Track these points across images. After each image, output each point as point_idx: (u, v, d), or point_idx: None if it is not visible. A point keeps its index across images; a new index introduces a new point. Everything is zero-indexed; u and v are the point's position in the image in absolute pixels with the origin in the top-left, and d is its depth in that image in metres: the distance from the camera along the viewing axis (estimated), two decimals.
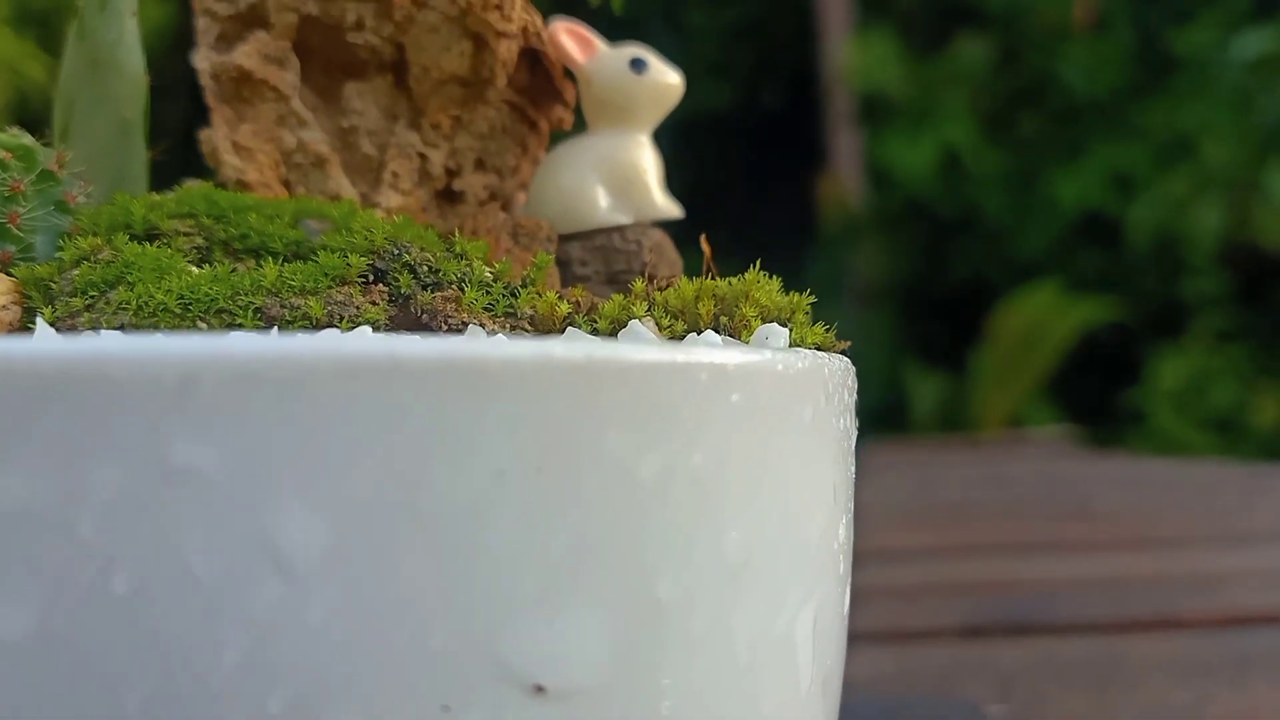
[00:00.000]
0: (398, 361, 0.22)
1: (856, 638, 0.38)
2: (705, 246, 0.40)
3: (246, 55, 0.41)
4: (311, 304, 0.31)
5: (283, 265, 0.32)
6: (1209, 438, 4.86)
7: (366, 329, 0.26)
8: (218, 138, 0.41)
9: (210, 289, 0.31)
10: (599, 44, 0.43)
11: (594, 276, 0.42)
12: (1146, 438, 4.92)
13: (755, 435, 0.27)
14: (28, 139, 0.39)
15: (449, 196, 0.44)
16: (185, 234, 0.36)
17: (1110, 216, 5.69)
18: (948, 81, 6.67)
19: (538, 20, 0.42)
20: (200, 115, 0.42)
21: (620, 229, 0.42)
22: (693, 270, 0.41)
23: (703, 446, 0.25)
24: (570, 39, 0.42)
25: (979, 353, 5.28)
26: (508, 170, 0.45)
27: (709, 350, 0.26)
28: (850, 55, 6.58)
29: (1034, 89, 6.58)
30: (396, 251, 0.34)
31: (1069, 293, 5.50)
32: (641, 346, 0.25)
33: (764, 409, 0.27)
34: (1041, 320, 5.18)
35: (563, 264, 0.42)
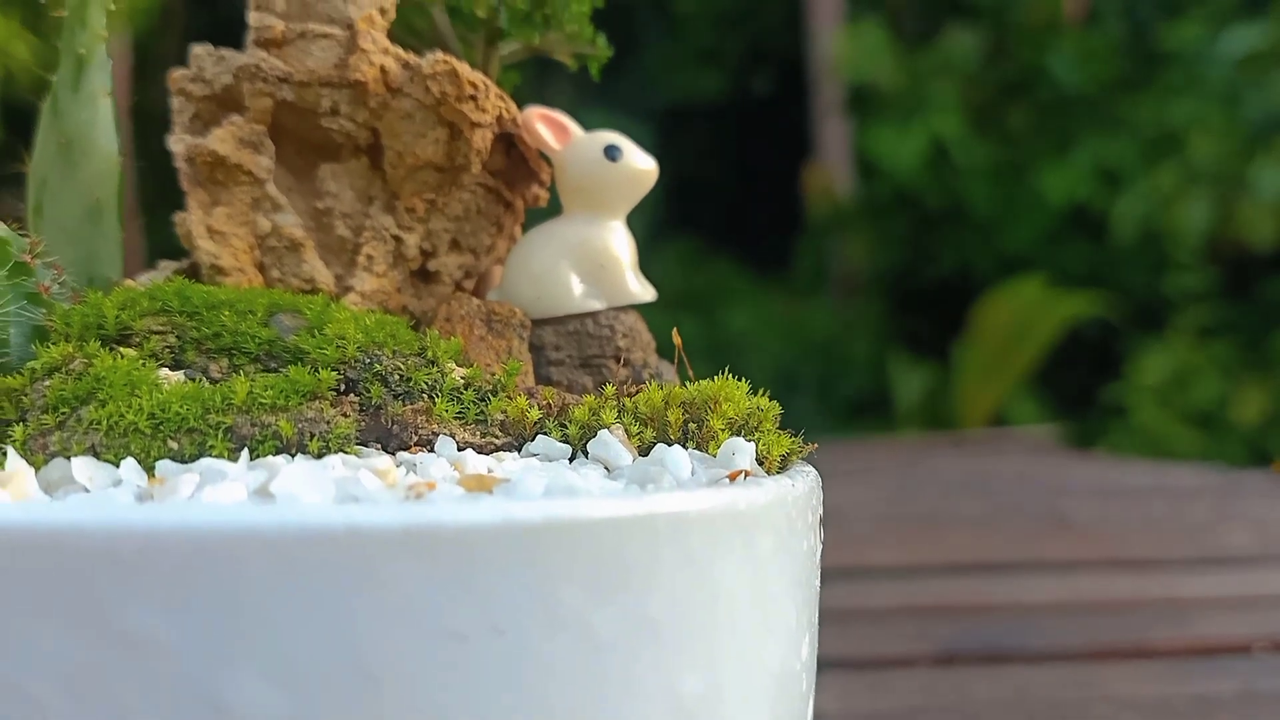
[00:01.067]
0: (355, 530, 0.23)
1: (828, 665, 0.38)
2: (677, 339, 0.41)
3: (221, 140, 0.41)
4: (282, 423, 0.31)
5: (253, 381, 0.32)
6: (1191, 433, 4.89)
7: (322, 496, 0.26)
8: (192, 221, 0.41)
9: (180, 407, 0.31)
10: (574, 129, 0.43)
11: (568, 361, 0.43)
12: (1129, 433, 4.95)
13: (714, 576, 0.27)
14: (2, 230, 0.39)
15: (424, 276, 0.45)
16: (158, 333, 0.36)
17: (1097, 210, 5.71)
18: (937, 73, 6.66)
19: (512, 107, 0.42)
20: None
21: (594, 314, 0.43)
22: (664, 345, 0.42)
23: (660, 594, 0.26)
24: (545, 125, 0.43)
25: (964, 346, 5.30)
26: (483, 249, 0.45)
27: (667, 498, 0.26)
28: (840, 45, 6.57)
29: (1023, 82, 6.59)
30: (368, 361, 0.34)
31: (1054, 287, 5.52)
32: (599, 500, 0.25)
33: (724, 549, 0.27)
34: (1027, 314, 5.20)
35: (536, 349, 0.43)
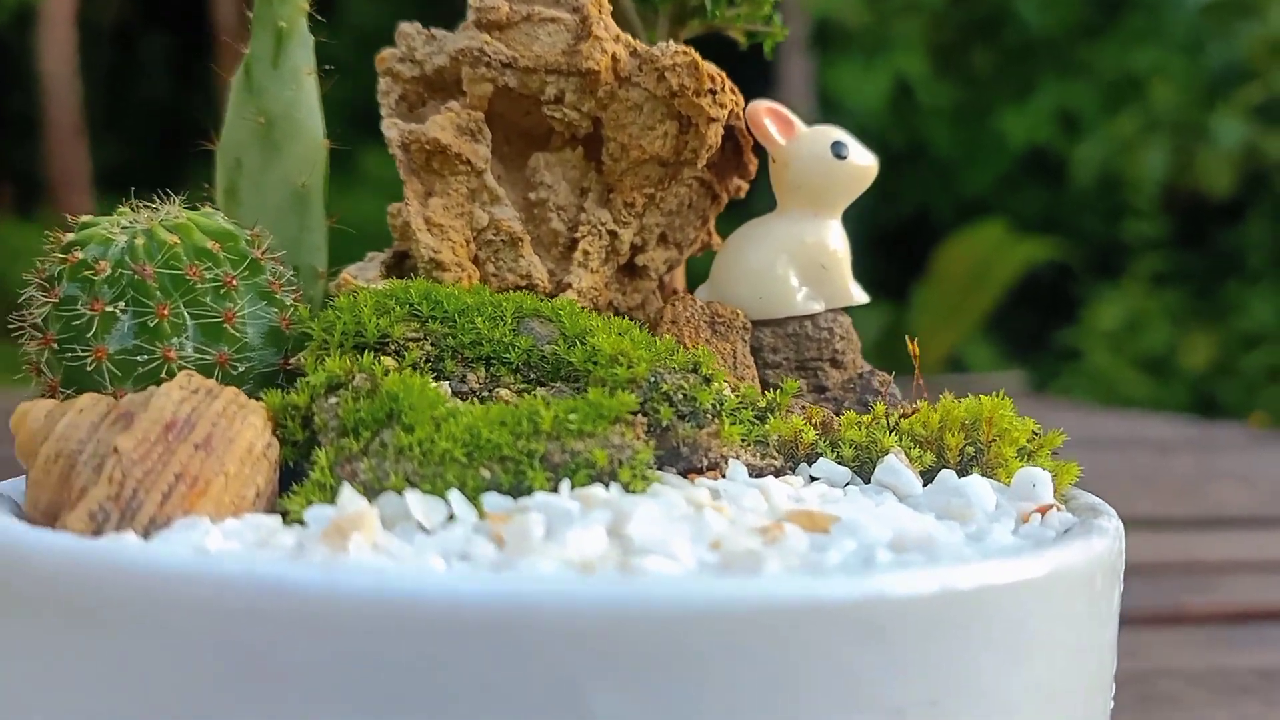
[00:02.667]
0: (814, 605, 0.22)
1: None
2: (913, 349, 0.40)
3: (440, 127, 0.39)
4: (595, 452, 0.30)
5: (558, 407, 0.31)
6: (1141, 379, 4.99)
7: (773, 568, 0.25)
8: (410, 213, 0.39)
9: (491, 434, 0.30)
10: (799, 124, 0.42)
11: (784, 363, 0.42)
12: (1081, 377, 5.04)
13: (1086, 629, 0.27)
14: (224, 220, 0.37)
15: (630, 270, 0.43)
16: (414, 340, 0.34)
17: (1056, 155, 5.75)
18: (902, 11, 6.63)
19: (740, 99, 0.41)
20: None
21: (813, 316, 0.42)
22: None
23: (1049, 655, 0.25)
24: (772, 120, 0.41)
25: (923, 288, 5.34)
26: (688, 243, 0.44)
27: (1058, 556, 0.26)
28: None
29: (988, 23, 6.58)
30: (654, 380, 0.33)
31: (1013, 231, 5.56)
32: (1014, 564, 0.24)
33: (1087, 600, 0.27)
34: (985, 259, 5.24)
35: (754, 350, 0.41)
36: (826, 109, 6.69)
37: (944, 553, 0.26)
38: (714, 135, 0.40)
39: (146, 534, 0.27)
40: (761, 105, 0.41)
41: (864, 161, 0.42)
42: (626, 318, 0.43)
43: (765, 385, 0.42)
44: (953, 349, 5.31)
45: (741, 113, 0.41)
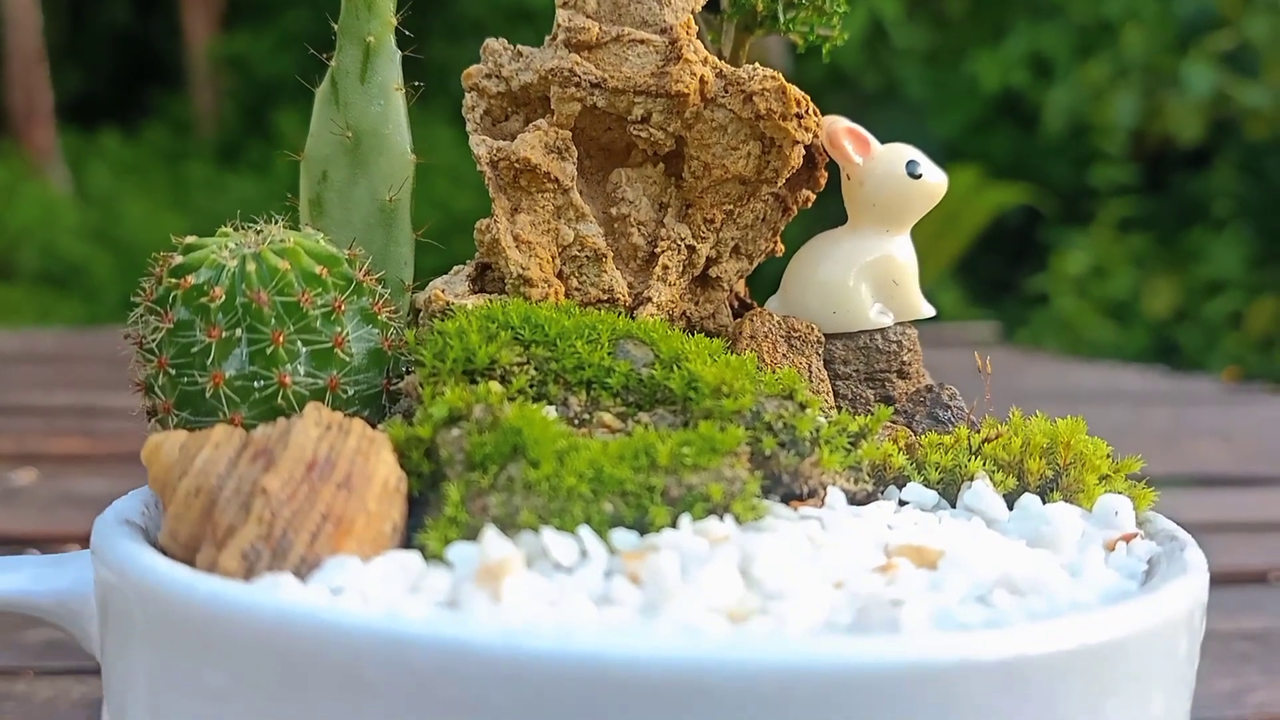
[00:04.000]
0: (968, 664, 0.24)
1: None
2: (984, 365, 0.41)
3: (530, 146, 0.40)
4: (711, 487, 0.32)
5: (672, 441, 0.32)
6: (1105, 324, 5.05)
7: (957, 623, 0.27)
8: (499, 230, 0.40)
9: (613, 469, 0.31)
10: (874, 143, 0.43)
11: (854, 375, 0.43)
12: (1048, 323, 5.09)
13: (1184, 668, 0.29)
14: (326, 242, 0.38)
15: (703, 281, 0.44)
16: (520, 365, 0.36)
17: (1027, 100, 5.76)
18: None
19: (821, 119, 0.42)
20: None
21: (883, 330, 0.43)
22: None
23: (1161, 695, 0.27)
24: (851, 140, 0.42)
25: None
26: (759, 254, 0.45)
27: (1156, 605, 0.27)
28: None
29: None
30: (756, 410, 0.35)
31: (984, 177, 5.57)
32: (1127, 612, 0.26)
33: (1185, 639, 0.29)
34: (955, 205, 5.25)
35: (826, 362, 0.43)
36: (797, 49, 6.64)
37: (1061, 596, 0.28)
38: (796, 157, 0.41)
39: (298, 574, 0.28)
40: (840, 125, 0.42)
41: (936, 179, 0.43)
42: (699, 327, 0.44)
43: (837, 396, 0.43)
44: (924, 292, 5.35)
45: (820, 131, 0.42)
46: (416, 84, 0.41)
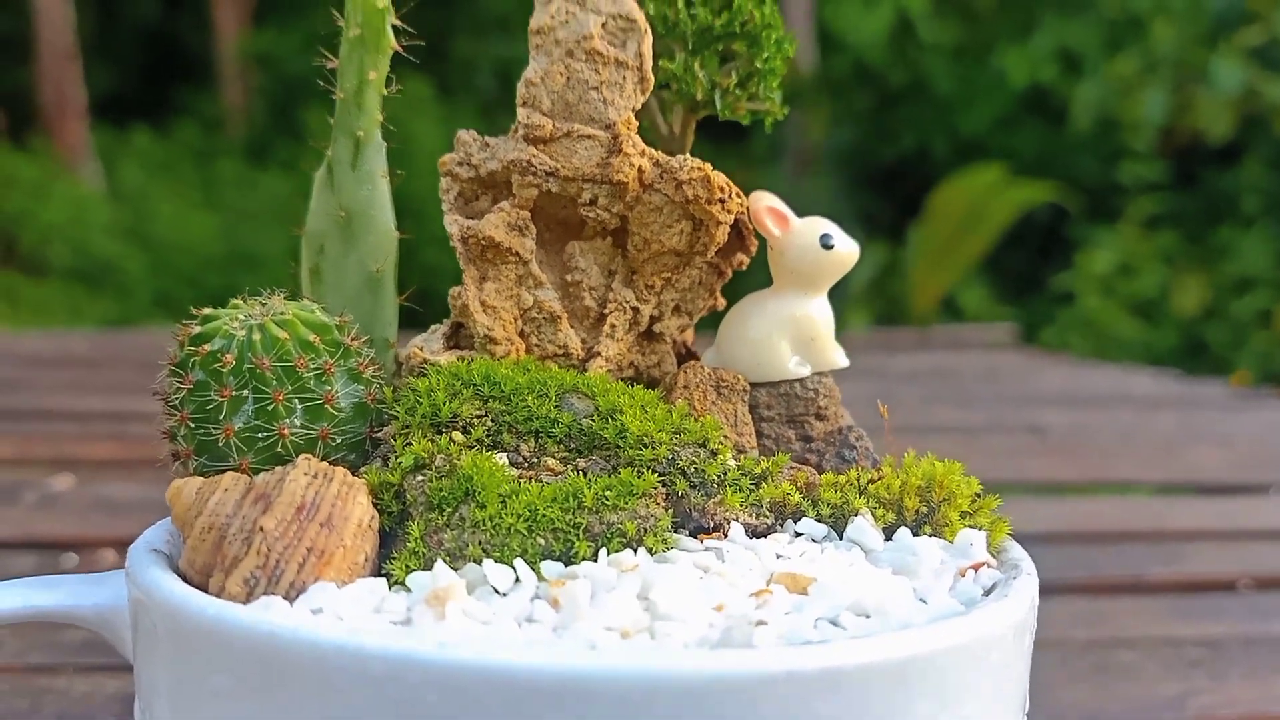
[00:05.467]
0: (794, 674, 0.31)
1: None
2: (883, 410, 0.48)
3: (494, 226, 0.47)
4: (627, 524, 0.39)
5: (597, 485, 0.39)
6: (1133, 322, 5.04)
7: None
8: (468, 297, 0.47)
9: (546, 510, 0.38)
10: (791, 217, 0.50)
11: (777, 418, 0.50)
12: (1074, 320, 5.09)
13: (1001, 677, 0.35)
14: (321, 313, 0.45)
15: (649, 335, 0.51)
16: (478, 417, 0.43)
17: (1056, 95, 5.76)
18: None
19: (744, 199, 0.48)
20: None
21: (801, 379, 0.50)
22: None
23: (973, 702, 0.34)
24: (770, 216, 0.49)
25: (919, 229, 5.39)
26: (697, 311, 0.52)
27: (977, 623, 0.34)
28: None
29: None
30: (672, 458, 0.42)
31: (1009, 174, 5.58)
32: (938, 631, 0.33)
33: (1004, 652, 0.36)
34: (982, 202, 5.26)
35: (751, 408, 0.50)
36: (827, 46, 6.66)
37: (895, 617, 0.35)
38: (721, 234, 0.48)
39: (288, 597, 0.36)
40: (762, 203, 0.49)
41: (847, 250, 0.50)
42: (646, 375, 0.51)
43: (761, 436, 0.50)
44: (947, 291, 5.38)
45: (745, 208, 0.49)
46: (399, 172, 0.48)
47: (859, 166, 6.64)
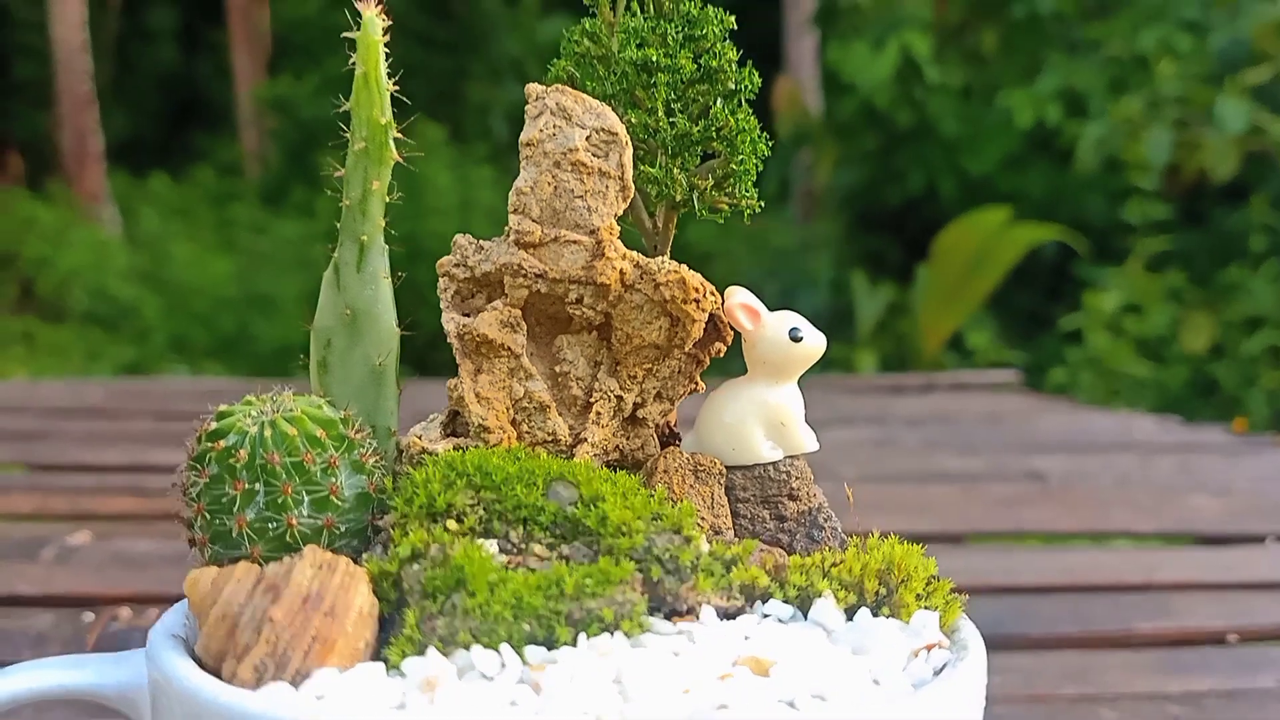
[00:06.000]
0: None
1: None
2: (849, 492, 0.52)
3: (488, 324, 0.51)
4: (605, 611, 0.42)
5: (578, 574, 0.43)
6: (1141, 362, 5.05)
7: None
8: (464, 389, 0.51)
9: (530, 599, 0.42)
10: (763, 313, 0.53)
11: (752, 499, 0.54)
12: (1082, 360, 5.09)
13: None
14: (327, 408, 0.49)
15: (633, 420, 0.55)
16: (471, 507, 0.46)
17: (1062, 136, 5.81)
18: None
19: (718, 297, 0.52)
20: None
21: (774, 462, 0.54)
22: None
23: None
24: (743, 311, 0.53)
25: (926, 270, 5.43)
26: (678, 397, 0.55)
27: (914, 705, 0.38)
28: None
29: (996, 0, 6.60)
30: (648, 545, 0.45)
31: (1017, 215, 5.60)
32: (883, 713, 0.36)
33: None
34: (989, 243, 5.30)
35: (727, 489, 0.53)
36: (832, 88, 6.73)
37: (848, 699, 0.38)
38: (697, 330, 0.51)
39: (294, 682, 0.39)
40: (735, 300, 0.53)
41: (814, 343, 0.53)
42: (630, 457, 0.55)
43: (737, 516, 0.53)
44: (955, 331, 5.41)
45: (720, 303, 0.52)
46: (400, 273, 0.52)
47: (866, 207, 6.69)
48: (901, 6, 6.40)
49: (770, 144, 0.57)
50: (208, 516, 0.46)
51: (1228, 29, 5.59)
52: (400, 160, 0.51)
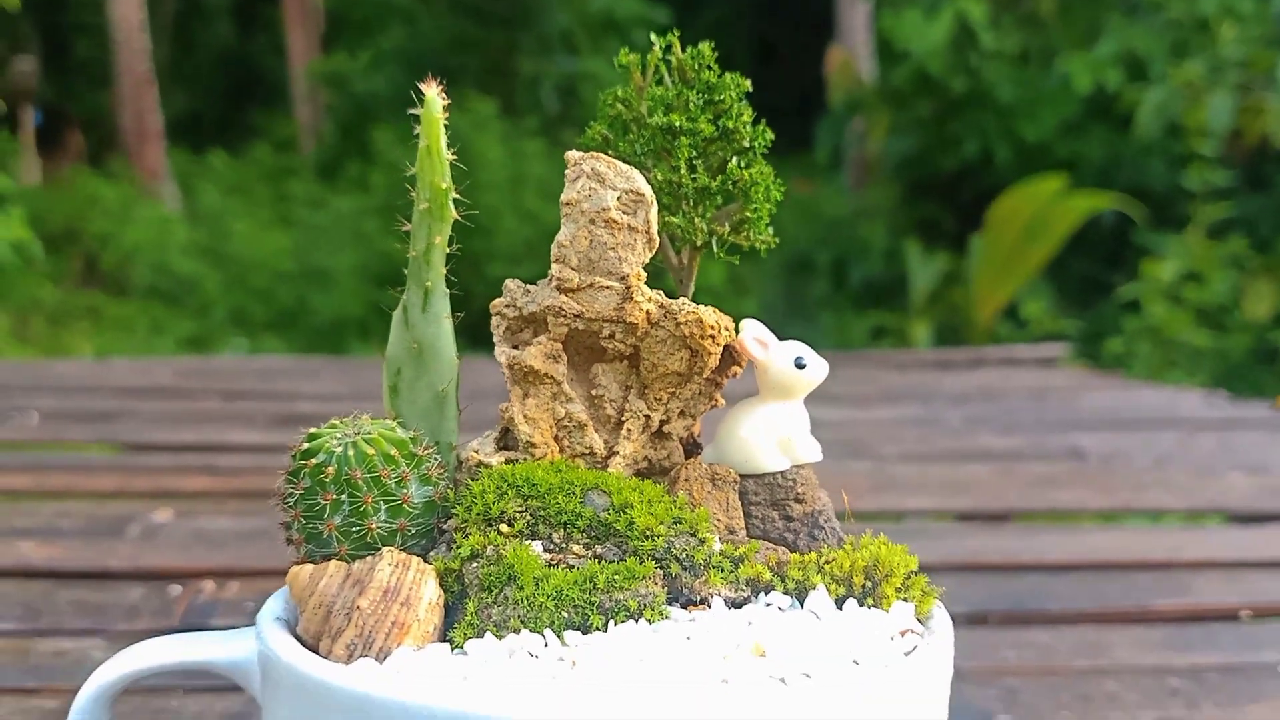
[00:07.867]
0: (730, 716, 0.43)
1: None
2: (845, 499, 0.60)
3: (533, 357, 0.60)
4: (630, 601, 0.51)
5: (608, 570, 0.52)
6: (1200, 330, 5.00)
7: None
8: (514, 410, 0.60)
9: (569, 591, 0.51)
10: (772, 342, 0.62)
11: (763, 503, 0.62)
12: (1140, 328, 5.05)
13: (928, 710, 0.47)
14: (399, 429, 0.58)
15: (659, 434, 0.64)
16: (520, 513, 0.56)
17: (1122, 101, 5.74)
18: None
19: (733, 328, 0.61)
20: None
21: (782, 471, 0.62)
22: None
23: None
24: (754, 344, 0.61)
25: (981, 239, 5.42)
26: (699, 414, 0.64)
27: (898, 675, 0.46)
28: None
29: None
30: (668, 547, 0.54)
31: (1074, 181, 5.55)
32: (852, 686, 0.45)
33: (924, 695, 0.48)
34: (1044, 213, 5.26)
35: (741, 495, 0.62)
36: (887, 55, 6.69)
37: (830, 675, 0.47)
38: (713, 360, 0.60)
39: (378, 659, 0.49)
40: (747, 333, 0.61)
41: (818, 370, 0.62)
42: (658, 466, 0.64)
43: (750, 518, 0.62)
44: (1009, 300, 5.39)
45: (734, 335, 0.61)
46: (459, 314, 0.61)
47: (920, 175, 6.66)
48: None
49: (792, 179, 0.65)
50: (303, 521, 0.56)
51: None
52: (459, 218, 0.59)
